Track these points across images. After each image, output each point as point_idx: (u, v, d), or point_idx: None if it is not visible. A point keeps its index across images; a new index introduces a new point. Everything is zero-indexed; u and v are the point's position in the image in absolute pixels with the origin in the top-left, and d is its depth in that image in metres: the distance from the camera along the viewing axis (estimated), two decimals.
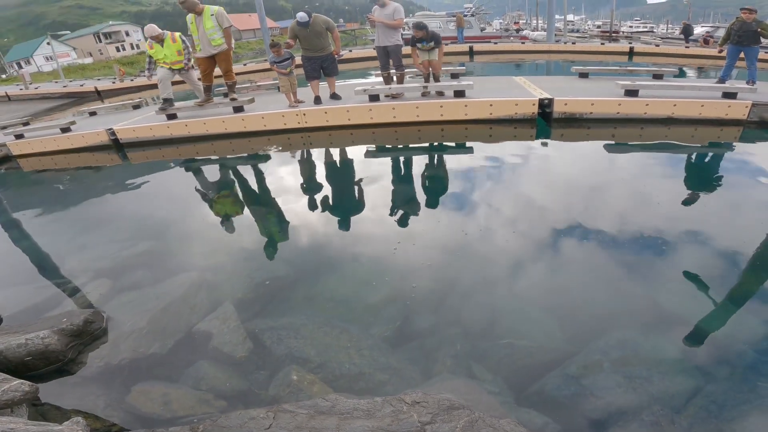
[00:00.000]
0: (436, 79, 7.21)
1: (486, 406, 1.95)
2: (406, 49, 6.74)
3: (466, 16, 25.11)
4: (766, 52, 12.59)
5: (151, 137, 7.36)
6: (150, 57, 7.33)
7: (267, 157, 6.33)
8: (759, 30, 6.70)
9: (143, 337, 2.67)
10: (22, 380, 2.05)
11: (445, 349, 2.39)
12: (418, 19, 6.83)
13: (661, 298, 2.71)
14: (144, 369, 2.46)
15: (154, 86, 7.55)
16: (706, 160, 5.36)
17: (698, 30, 28.13)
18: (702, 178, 4.76)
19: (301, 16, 6.41)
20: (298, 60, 6.92)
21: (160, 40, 7.10)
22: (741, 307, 2.63)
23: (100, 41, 56.81)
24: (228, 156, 6.69)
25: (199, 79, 7.53)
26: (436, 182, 4.87)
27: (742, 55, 6.98)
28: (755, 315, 2.54)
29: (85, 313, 2.77)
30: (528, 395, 2.11)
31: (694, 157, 5.37)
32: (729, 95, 6.20)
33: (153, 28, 7.11)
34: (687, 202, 4.00)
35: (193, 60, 7.38)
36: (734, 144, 5.68)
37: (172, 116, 7.48)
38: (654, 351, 2.29)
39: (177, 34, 7.27)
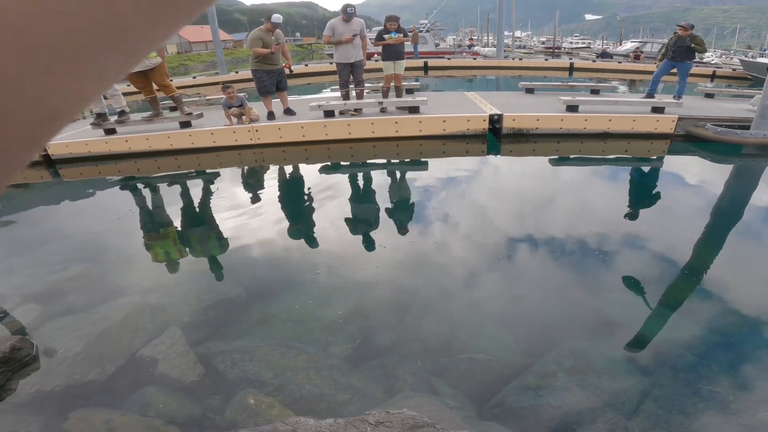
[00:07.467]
0: (400, 92, 7.29)
1: (449, 421, 1.93)
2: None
3: (421, 32, 25.72)
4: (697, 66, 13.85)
5: (86, 153, 6.80)
6: None
7: (216, 175, 6.10)
8: (693, 45, 6.93)
9: (79, 363, 2.47)
10: None
11: (405, 366, 2.37)
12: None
13: (604, 306, 2.86)
14: (82, 395, 2.26)
15: None
16: (639, 172, 5.76)
17: (628, 45, 30.22)
18: (635, 190, 5.09)
19: (277, 17, 6.26)
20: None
21: None
22: (676, 311, 2.81)
23: None
24: (173, 173, 6.35)
25: None
26: (392, 199, 4.87)
27: (673, 70, 7.21)
28: (690, 318, 2.73)
29: (11, 339, 2.53)
30: (489, 408, 2.12)
31: (628, 170, 5.77)
32: (657, 110, 6.67)
33: None
34: (623, 214, 4.28)
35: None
36: (663, 157, 6.15)
37: (110, 131, 6.92)
38: (602, 358, 2.39)
39: None
